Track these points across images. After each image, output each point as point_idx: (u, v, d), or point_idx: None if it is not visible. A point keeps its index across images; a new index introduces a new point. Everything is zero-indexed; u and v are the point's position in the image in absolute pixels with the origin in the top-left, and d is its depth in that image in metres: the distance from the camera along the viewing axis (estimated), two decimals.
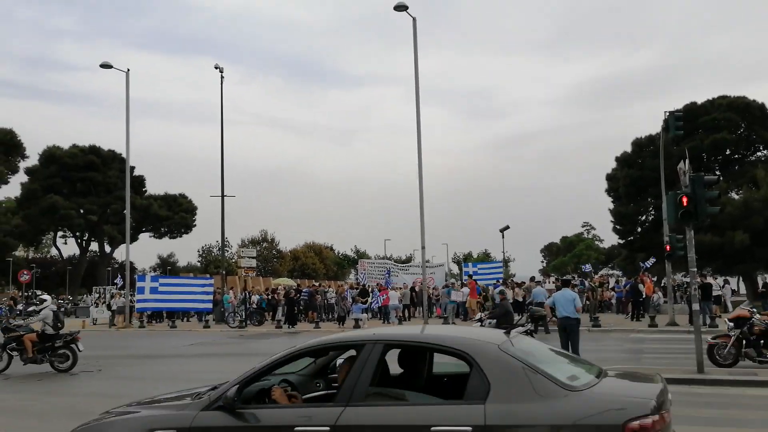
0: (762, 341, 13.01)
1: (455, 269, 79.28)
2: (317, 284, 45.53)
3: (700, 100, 44.64)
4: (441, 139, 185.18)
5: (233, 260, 62.51)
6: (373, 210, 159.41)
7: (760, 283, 32.83)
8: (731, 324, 13.46)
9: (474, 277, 36.74)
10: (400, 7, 26.81)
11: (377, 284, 33.66)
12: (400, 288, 33.36)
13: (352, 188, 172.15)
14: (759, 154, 43.94)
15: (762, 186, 35.94)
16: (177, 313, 34.46)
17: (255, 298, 34.09)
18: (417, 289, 32.29)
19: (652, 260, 36.30)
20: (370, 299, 31.22)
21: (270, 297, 34.33)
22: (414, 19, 27.63)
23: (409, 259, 78.93)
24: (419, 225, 27.54)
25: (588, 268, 40.84)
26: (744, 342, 13.07)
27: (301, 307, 31.77)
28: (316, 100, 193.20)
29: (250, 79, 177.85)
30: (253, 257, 39.46)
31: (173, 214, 67.22)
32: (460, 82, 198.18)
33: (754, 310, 14.30)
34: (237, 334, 27.00)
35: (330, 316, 32.19)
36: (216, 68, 36.12)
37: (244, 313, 30.59)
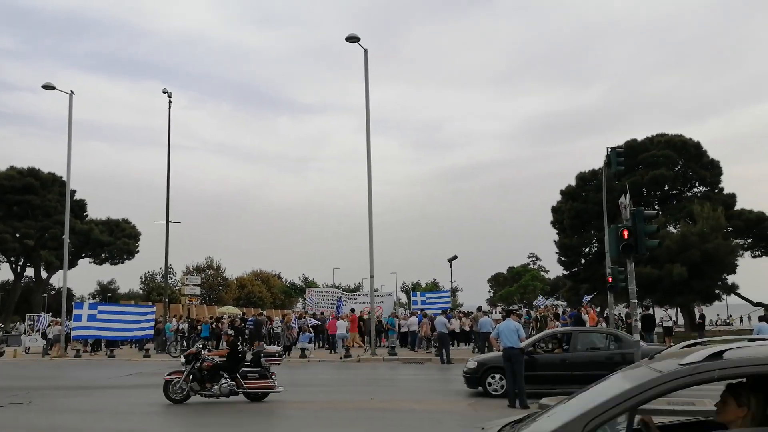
0: (209, 375, 14.23)
1: (404, 298, 79.20)
2: (264, 313, 44.73)
3: (640, 138, 46.45)
4: (392, 169, 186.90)
5: (177, 288, 60.94)
6: (322, 238, 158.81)
7: (697, 314, 33.87)
8: (183, 360, 14.88)
9: (422, 306, 36.83)
10: (352, 39, 27.07)
11: (321, 312, 33.38)
12: (347, 316, 33.11)
13: (302, 216, 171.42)
14: (695, 189, 45.81)
15: (698, 221, 37.33)
16: (116, 342, 33.26)
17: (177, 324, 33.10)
18: (365, 317, 32.10)
19: (587, 297, 37.23)
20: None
21: (214, 326, 33.51)
22: (366, 51, 27.93)
23: (357, 288, 78.51)
24: (368, 253, 27.52)
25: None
26: (191, 377, 14.19)
27: (246, 337, 31.11)
28: (266, 128, 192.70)
29: (200, 104, 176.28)
30: (197, 285, 38.63)
31: (115, 240, 65.22)
32: (411, 114, 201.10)
33: (202, 347, 15.67)
34: (179, 364, 26.16)
35: (276, 346, 31.59)
36: (164, 93, 35.56)
37: (185, 342, 29.75)
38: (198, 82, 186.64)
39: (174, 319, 34.73)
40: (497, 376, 14.33)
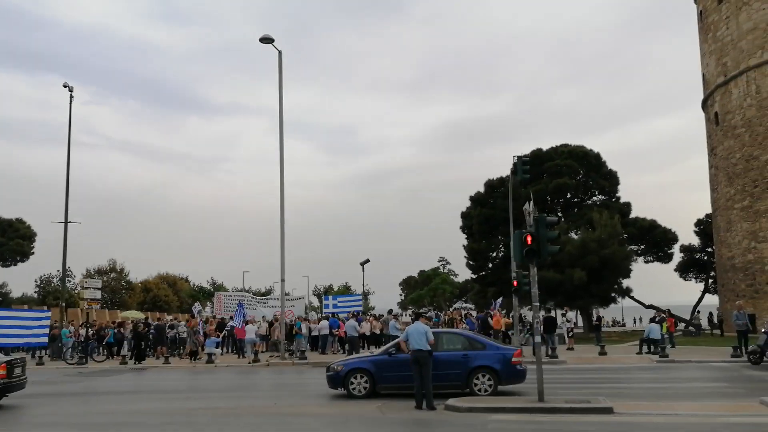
0: None
1: (316, 302, 78.82)
2: (171, 317, 43.31)
3: (545, 147, 48.36)
4: (305, 173, 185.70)
5: (76, 291, 58.04)
6: (232, 241, 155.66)
7: (595, 316, 35.60)
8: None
9: (334, 310, 36.78)
10: (266, 40, 26.70)
11: (230, 316, 32.73)
12: (258, 321, 32.61)
13: (211, 218, 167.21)
14: (595, 198, 48.16)
15: (597, 228, 39.27)
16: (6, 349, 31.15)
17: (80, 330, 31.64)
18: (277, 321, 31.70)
19: (499, 300, 38.40)
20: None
21: (116, 331, 32.11)
22: (280, 53, 27.64)
23: (268, 292, 77.47)
24: (279, 257, 27.20)
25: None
26: None
27: (150, 342, 30.02)
28: (175, 127, 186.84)
29: (103, 100, 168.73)
30: (98, 288, 36.92)
31: (7, 241, 61.39)
32: (325, 118, 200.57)
33: None
34: (75, 371, 24.90)
35: (181, 351, 30.64)
36: (65, 87, 33.88)
37: (82, 349, 28.32)
38: (102, 77, 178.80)
39: (71, 325, 33.04)
40: None
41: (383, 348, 16.54)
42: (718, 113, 39.62)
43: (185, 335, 29.88)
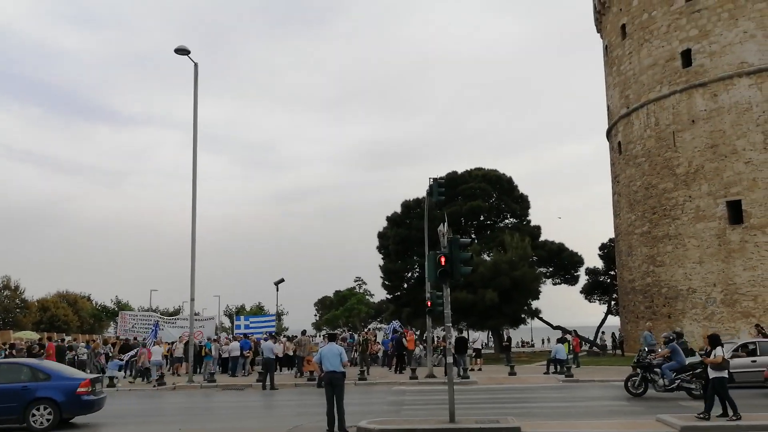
0: None
1: (227, 322, 76.72)
2: (70, 338, 40.86)
3: (460, 170, 49.50)
4: (220, 188, 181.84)
5: None
6: (139, 258, 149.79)
7: (505, 336, 36.35)
8: None
9: (246, 331, 35.87)
10: (182, 51, 26.01)
11: (135, 338, 31.29)
12: (166, 343, 31.35)
13: (117, 234, 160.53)
14: (507, 221, 49.56)
15: (509, 250, 40.35)
16: None
17: None
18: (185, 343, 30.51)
19: (396, 323, 38.79)
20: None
21: (8, 352, 29.94)
22: (196, 65, 27.01)
23: (177, 312, 74.80)
24: (189, 275, 26.31)
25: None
26: None
27: None
28: (82, 137, 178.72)
29: (2, 106, 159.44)
30: None
31: None
32: (242, 132, 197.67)
33: None
34: None
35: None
36: None
37: None
38: (1, 81, 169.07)
39: None
40: None
41: None
42: (621, 143, 41.78)
43: (85, 357, 28.24)
